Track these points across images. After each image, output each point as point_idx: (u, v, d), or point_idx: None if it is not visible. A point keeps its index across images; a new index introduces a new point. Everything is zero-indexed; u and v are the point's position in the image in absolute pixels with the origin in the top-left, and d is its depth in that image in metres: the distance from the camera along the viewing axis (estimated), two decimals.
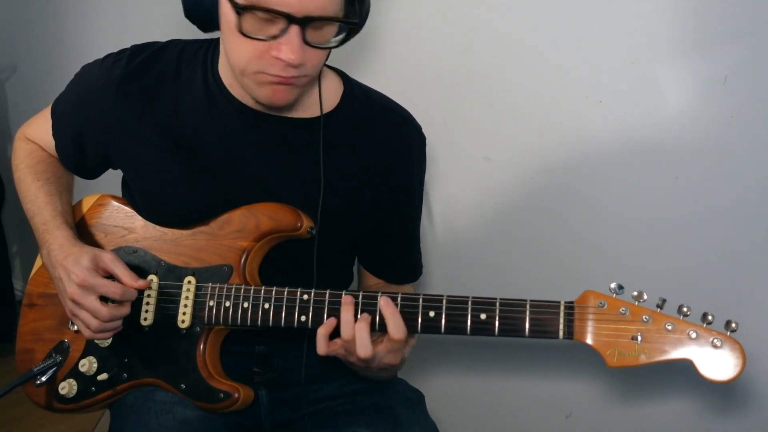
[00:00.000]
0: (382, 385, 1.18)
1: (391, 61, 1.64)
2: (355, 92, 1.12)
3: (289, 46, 0.93)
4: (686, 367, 0.87)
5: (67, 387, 1.11)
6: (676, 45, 1.27)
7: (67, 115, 1.19)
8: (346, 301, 0.98)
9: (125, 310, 1.06)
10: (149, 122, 1.10)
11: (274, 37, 0.94)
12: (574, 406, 1.53)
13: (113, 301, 1.05)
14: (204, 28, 1.02)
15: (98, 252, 1.06)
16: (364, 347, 0.96)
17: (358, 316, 0.97)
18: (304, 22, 0.92)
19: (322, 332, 0.98)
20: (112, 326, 1.05)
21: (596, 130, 1.38)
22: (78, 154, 1.20)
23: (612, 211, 1.40)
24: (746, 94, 1.21)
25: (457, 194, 1.59)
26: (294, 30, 0.92)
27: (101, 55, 1.18)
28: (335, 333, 1.00)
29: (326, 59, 1.05)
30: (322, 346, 0.98)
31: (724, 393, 1.31)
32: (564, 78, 1.40)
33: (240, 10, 0.92)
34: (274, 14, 0.91)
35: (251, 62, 0.97)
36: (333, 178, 1.09)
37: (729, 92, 1.23)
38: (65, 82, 1.23)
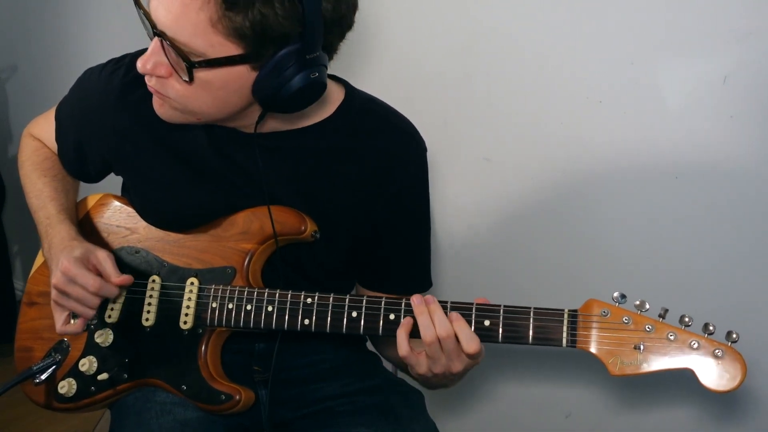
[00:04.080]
0: (382, 385, 1.18)
1: (392, 61, 1.64)
2: (355, 102, 1.10)
3: (144, 54, 0.94)
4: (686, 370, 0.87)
5: (67, 386, 1.11)
6: (676, 45, 1.27)
7: (69, 123, 1.20)
8: (423, 303, 0.95)
9: (113, 290, 1.04)
10: (148, 131, 1.09)
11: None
12: (574, 406, 1.53)
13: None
14: None
15: (93, 248, 1.06)
16: (471, 340, 0.92)
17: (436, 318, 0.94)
18: (161, 35, 0.91)
19: (403, 332, 0.95)
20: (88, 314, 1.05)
21: (596, 130, 1.38)
22: (79, 160, 1.20)
23: (612, 210, 1.40)
24: (746, 94, 1.21)
25: (456, 194, 1.59)
26: (155, 40, 0.92)
27: (101, 55, 1.18)
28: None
29: (206, 97, 0.95)
30: (404, 347, 0.95)
31: (723, 396, 1.31)
32: (564, 78, 1.40)
33: (138, 8, 0.93)
34: (147, 18, 0.91)
35: None
36: (325, 183, 1.08)
37: (729, 92, 1.23)
38: (65, 82, 1.23)
